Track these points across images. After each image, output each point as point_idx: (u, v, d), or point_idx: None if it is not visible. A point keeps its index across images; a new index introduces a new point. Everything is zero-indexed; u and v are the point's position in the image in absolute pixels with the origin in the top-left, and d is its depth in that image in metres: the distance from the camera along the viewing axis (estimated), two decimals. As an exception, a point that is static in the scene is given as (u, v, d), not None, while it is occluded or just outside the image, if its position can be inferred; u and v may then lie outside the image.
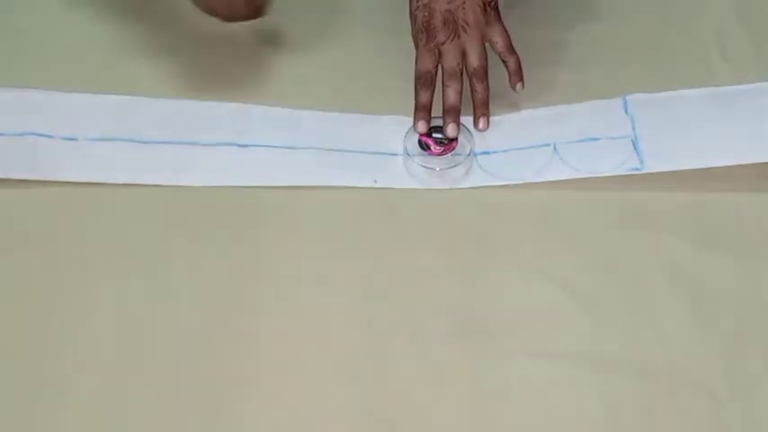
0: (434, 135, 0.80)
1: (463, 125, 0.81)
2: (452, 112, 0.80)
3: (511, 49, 0.82)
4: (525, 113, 0.83)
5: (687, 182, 0.78)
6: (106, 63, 0.88)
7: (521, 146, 0.82)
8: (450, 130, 0.79)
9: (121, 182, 0.79)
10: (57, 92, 0.84)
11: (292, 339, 0.71)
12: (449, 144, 0.80)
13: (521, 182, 0.79)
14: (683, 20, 0.92)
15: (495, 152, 0.81)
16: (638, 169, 0.79)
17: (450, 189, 0.79)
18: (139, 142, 0.81)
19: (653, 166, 0.79)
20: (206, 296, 0.73)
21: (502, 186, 0.79)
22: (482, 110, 0.82)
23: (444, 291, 0.73)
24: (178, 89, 0.85)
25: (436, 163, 0.79)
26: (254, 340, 0.71)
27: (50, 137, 0.81)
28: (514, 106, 0.84)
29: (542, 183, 0.79)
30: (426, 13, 0.81)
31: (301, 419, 0.67)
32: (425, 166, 0.79)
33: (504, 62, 0.82)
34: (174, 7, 0.91)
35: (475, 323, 0.71)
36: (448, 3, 0.81)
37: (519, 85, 0.82)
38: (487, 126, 0.82)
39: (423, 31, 0.81)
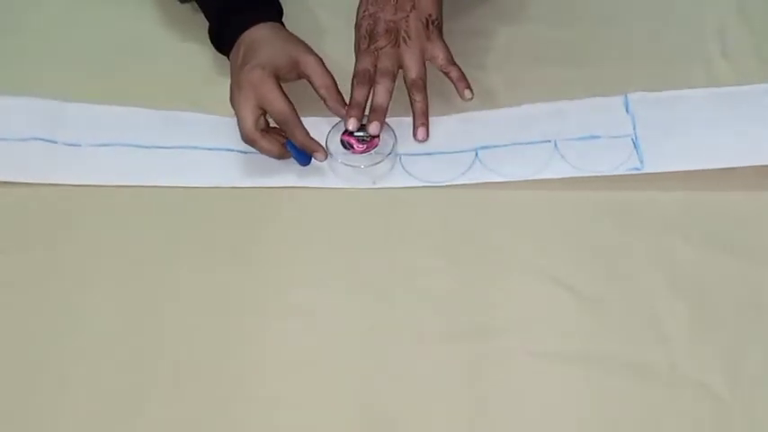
0: (356, 133, 0.80)
1: (387, 124, 0.81)
2: (378, 111, 0.80)
3: (451, 61, 0.83)
4: (525, 108, 0.83)
5: (687, 182, 0.78)
6: (106, 64, 0.89)
7: (521, 141, 0.82)
8: (373, 128, 0.79)
9: (123, 184, 0.80)
10: (60, 102, 0.84)
11: (292, 339, 0.71)
12: (371, 141, 0.80)
13: (521, 179, 0.79)
14: (684, 19, 0.92)
15: (495, 147, 0.81)
16: (638, 169, 0.79)
17: (450, 189, 0.79)
18: (142, 147, 0.82)
19: (653, 167, 0.79)
20: (206, 296, 0.74)
21: (502, 186, 0.79)
22: (421, 119, 0.81)
23: (444, 291, 0.73)
24: (179, 93, 0.86)
25: (360, 161, 0.79)
26: (254, 340, 0.71)
27: (54, 142, 0.82)
28: (515, 104, 0.84)
29: (542, 182, 0.79)
30: (371, 22, 0.83)
31: (301, 418, 0.68)
32: (350, 165, 0.79)
33: (446, 74, 0.83)
34: (174, 11, 0.92)
35: (475, 323, 0.72)
36: (393, 14, 0.82)
37: (467, 92, 0.82)
38: (427, 136, 0.81)
39: (365, 37, 0.82)
